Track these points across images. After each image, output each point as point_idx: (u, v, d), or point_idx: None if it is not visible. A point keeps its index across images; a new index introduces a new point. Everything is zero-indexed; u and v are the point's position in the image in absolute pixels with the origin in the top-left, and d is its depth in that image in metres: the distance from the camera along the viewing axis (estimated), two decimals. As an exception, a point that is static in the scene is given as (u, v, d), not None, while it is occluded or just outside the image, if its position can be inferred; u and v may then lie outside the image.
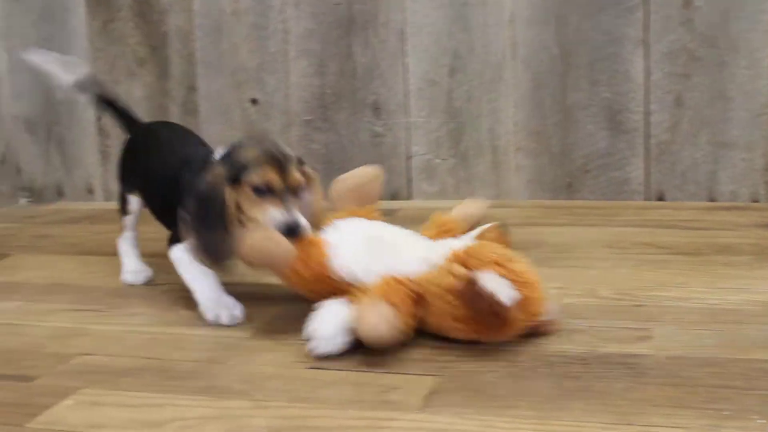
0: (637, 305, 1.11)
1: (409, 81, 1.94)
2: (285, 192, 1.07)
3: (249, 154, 1.07)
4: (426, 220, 1.18)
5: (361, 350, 0.95)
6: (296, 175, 1.09)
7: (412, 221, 1.66)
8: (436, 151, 1.94)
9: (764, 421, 0.76)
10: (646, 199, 1.84)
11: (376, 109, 1.96)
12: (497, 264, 0.94)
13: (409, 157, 1.96)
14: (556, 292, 1.17)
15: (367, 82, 1.96)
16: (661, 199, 1.83)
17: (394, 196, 1.95)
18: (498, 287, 0.90)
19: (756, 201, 1.79)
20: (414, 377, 0.89)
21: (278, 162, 1.07)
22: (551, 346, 0.97)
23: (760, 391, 0.83)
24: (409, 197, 1.96)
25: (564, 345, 0.97)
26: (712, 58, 1.79)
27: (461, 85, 1.91)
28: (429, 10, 1.91)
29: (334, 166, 1.93)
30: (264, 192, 1.06)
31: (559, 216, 1.72)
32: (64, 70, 1.40)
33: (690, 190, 1.82)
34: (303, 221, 1.06)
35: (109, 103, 1.41)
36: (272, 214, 1.05)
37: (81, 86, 1.40)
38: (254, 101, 2.04)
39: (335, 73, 1.99)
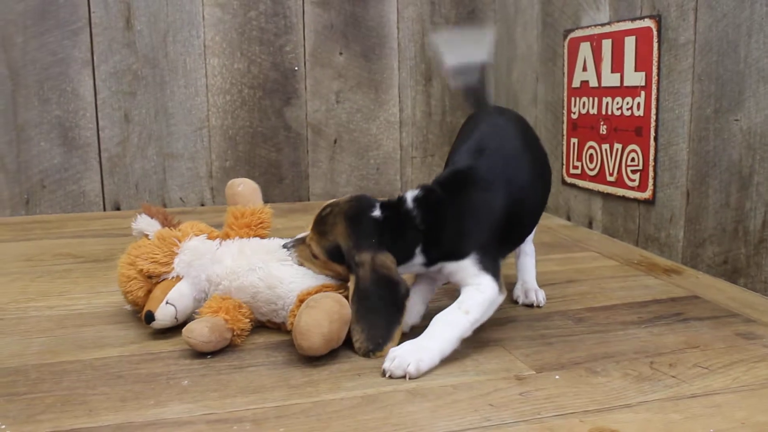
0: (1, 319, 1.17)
1: None
2: None
3: None
4: None
5: None
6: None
7: None
8: None
9: (4, 426, 0.82)
10: (104, 209, 1.97)
11: None
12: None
13: None
14: None
15: None
16: (117, 208, 1.97)
17: None
18: None
19: (203, 204, 2.01)
20: None
21: None
22: None
23: (40, 393, 0.90)
24: None
25: None
26: (154, 77, 1.97)
27: None
28: None
29: None
30: None
31: (6, 232, 1.77)
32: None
33: (146, 199, 1.99)
34: None
35: None
36: None
37: None
38: None
39: None
